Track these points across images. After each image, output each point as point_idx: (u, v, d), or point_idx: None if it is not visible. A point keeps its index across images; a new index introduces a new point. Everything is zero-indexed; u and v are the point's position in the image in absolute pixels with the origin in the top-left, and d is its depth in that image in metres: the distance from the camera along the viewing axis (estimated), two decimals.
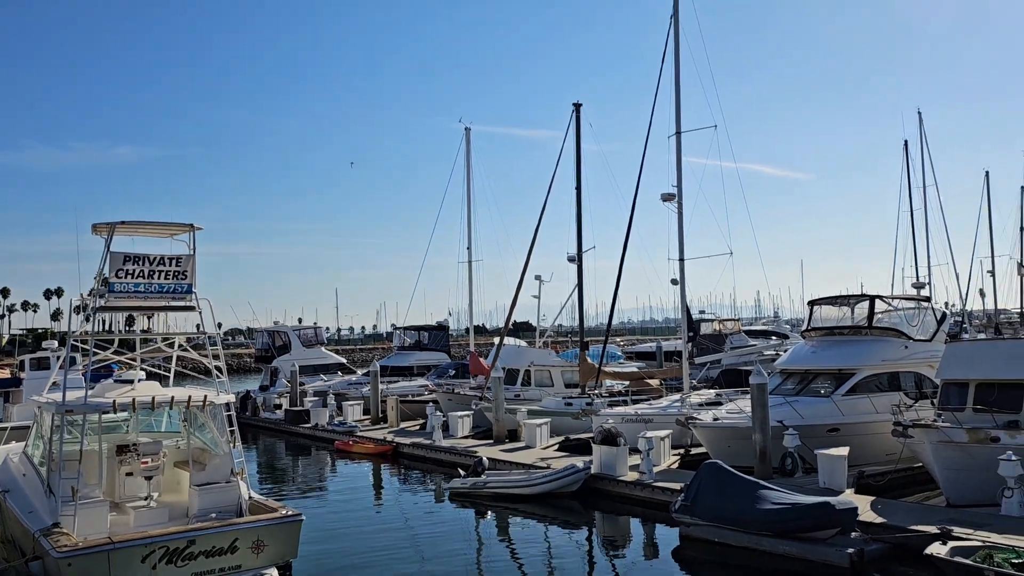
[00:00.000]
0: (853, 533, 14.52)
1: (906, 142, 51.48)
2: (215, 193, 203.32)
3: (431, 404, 31.40)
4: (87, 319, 15.44)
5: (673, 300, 29.63)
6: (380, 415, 34.36)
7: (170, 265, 15.11)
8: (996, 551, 12.37)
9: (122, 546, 11.99)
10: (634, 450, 20.90)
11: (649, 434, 20.78)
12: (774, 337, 48.68)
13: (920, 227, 50.33)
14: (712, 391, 28.48)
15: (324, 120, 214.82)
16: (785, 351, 27.43)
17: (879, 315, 24.35)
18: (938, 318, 25.35)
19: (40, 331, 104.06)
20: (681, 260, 28.01)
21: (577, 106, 33.96)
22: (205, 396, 14.70)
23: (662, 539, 17.10)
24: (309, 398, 39.55)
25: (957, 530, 13.71)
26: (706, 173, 30.72)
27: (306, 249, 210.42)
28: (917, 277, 47.12)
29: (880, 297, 25.18)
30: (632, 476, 20.28)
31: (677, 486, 17.99)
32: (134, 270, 14.79)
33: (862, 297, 25.14)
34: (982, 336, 32.85)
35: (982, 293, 58.93)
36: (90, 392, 14.32)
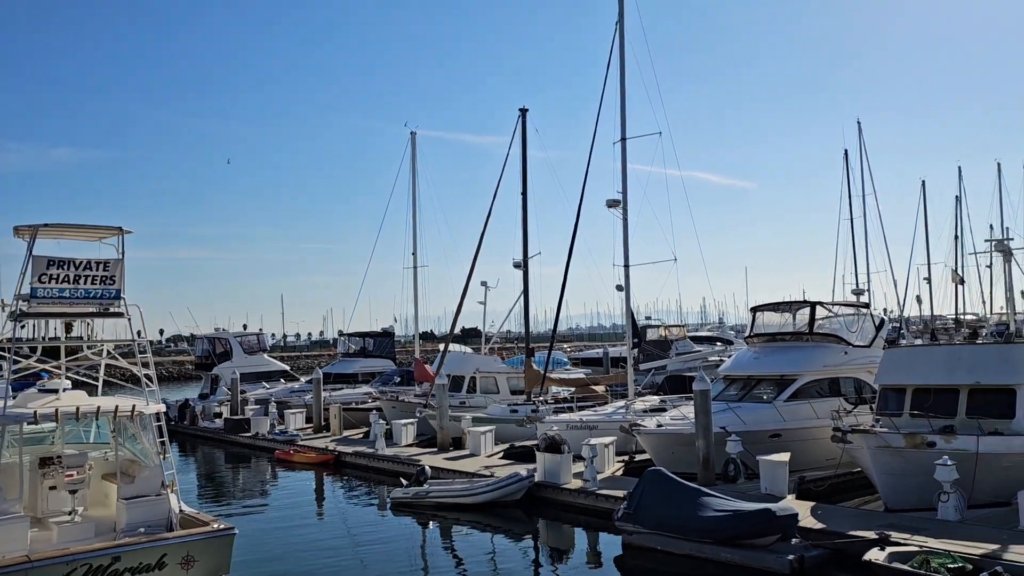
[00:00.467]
0: (794, 539, 14.55)
1: (846, 152, 52.59)
2: (159, 197, 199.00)
3: (375, 412, 30.94)
4: (15, 325, 14.74)
5: (620, 306, 29.58)
6: (323, 423, 33.79)
7: (97, 270, 14.49)
8: (932, 556, 12.48)
9: (41, 564, 11.42)
10: (579, 457, 20.78)
11: (593, 441, 20.68)
12: (719, 343, 49.26)
13: (860, 235, 51.40)
14: (657, 397, 28.55)
15: (268, 124, 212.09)
16: (729, 357, 27.60)
17: (820, 321, 24.65)
18: (877, 324, 25.75)
19: None
20: (626, 266, 28.02)
21: (523, 111, 33.89)
22: (133, 406, 14.13)
23: (605, 547, 16.98)
24: (250, 406, 38.80)
25: (895, 535, 13.83)
26: (651, 180, 30.93)
27: (252, 255, 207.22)
28: (857, 284, 48.12)
29: (821, 304, 25.50)
30: (576, 484, 20.14)
31: (621, 494, 17.88)
32: (59, 275, 14.14)
33: (803, 304, 25.41)
34: (919, 342, 33.54)
35: (919, 300, 60.34)
36: (11, 402, 13.67)
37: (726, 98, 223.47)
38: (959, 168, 60.89)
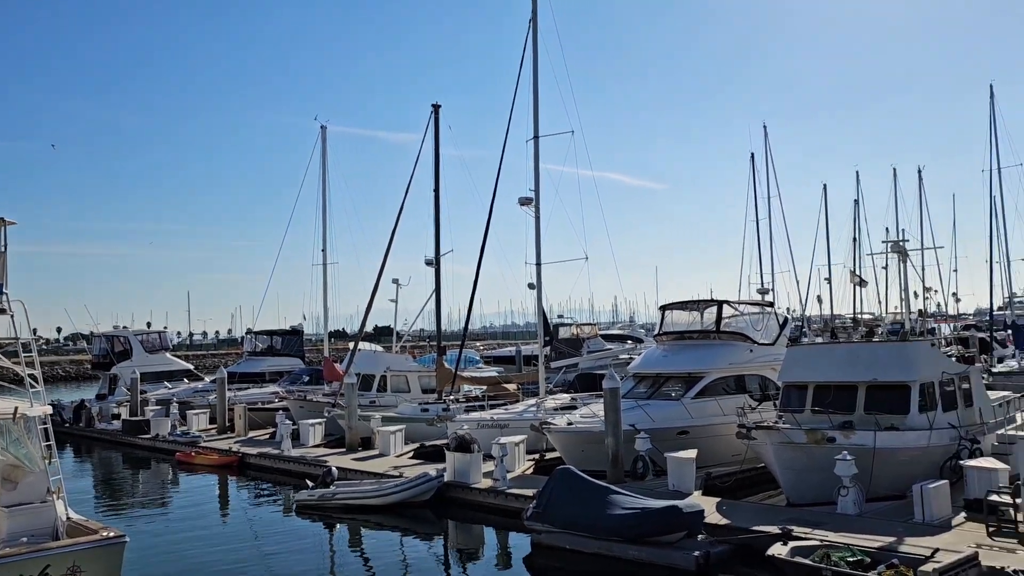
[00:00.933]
0: (700, 536, 14.68)
1: (752, 154, 53.94)
2: (58, 190, 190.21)
3: (281, 412, 30.15)
4: None
5: (532, 305, 29.58)
6: (227, 424, 32.76)
7: None
8: (833, 550, 12.74)
9: None
10: (489, 456, 20.62)
11: (503, 440, 20.55)
12: (629, 341, 49.81)
13: (765, 236, 52.81)
14: (568, 395, 28.63)
15: (173, 114, 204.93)
16: (639, 355, 27.89)
17: (727, 320, 25.09)
18: (780, 323, 26.40)
19: None
20: (538, 264, 28.03)
21: (436, 107, 33.56)
22: (16, 408, 13.29)
23: (515, 547, 16.86)
24: (151, 407, 37.40)
25: (797, 530, 14.09)
26: (563, 179, 31.00)
27: (156, 250, 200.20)
28: (762, 283, 49.37)
29: (728, 302, 25.96)
30: (486, 483, 19.97)
31: (531, 493, 17.77)
32: None
33: (711, 302, 25.81)
34: (819, 340, 34.57)
35: (820, 299, 62.30)
36: None
37: (638, 100, 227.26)
38: (857, 172, 63.22)
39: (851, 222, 62.11)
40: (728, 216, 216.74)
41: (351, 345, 36.75)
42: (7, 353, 14.83)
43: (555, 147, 28.76)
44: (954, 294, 66.25)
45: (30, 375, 13.85)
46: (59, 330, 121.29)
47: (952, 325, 58.05)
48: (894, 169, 61.90)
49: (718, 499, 17.28)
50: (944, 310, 66.75)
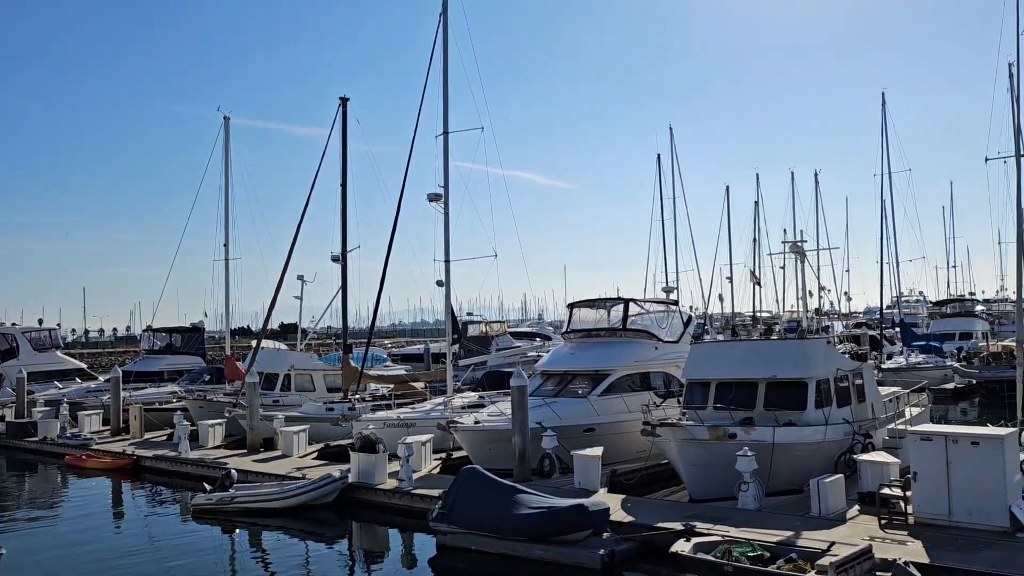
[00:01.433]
0: (605, 534, 14.72)
1: (659, 155, 54.97)
2: None
3: (179, 412, 29.06)
4: None
5: (442, 302, 29.31)
6: (122, 425, 31.40)
7: None
8: (734, 545, 12.95)
9: None
10: (395, 456, 20.29)
11: (409, 439, 20.26)
12: (538, 339, 50.07)
13: (671, 235, 53.89)
14: (475, 394, 28.50)
15: (69, 103, 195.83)
16: (547, 353, 27.97)
17: (633, 318, 25.38)
18: (684, 321, 26.85)
19: None
20: (447, 261, 27.80)
21: (344, 100, 32.89)
22: None
23: (420, 548, 16.63)
24: (39, 408, 35.51)
25: (700, 526, 14.27)
26: (473, 176, 30.74)
27: (50, 244, 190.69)
28: (667, 282, 50.34)
29: (634, 300, 26.29)
30: (391, 484, 19.63)
31: (436, 493, 17.54)
32: None
33: (617, 300, 26.08)
34: (721, 338, 35.35)
35: (721, 298, 63.94)
36: None
37: (551, 100, 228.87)
38: (757, 175, 65.14)
39: (752, 223, 64.00)
40: (636, 216, 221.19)
41: (255, 343, 35.82)
42: None
43: (465, 144, 28.58)
44: (846, 293, 69.12)
45: None
46: None
47: (844, 323, 60.44)
48: (792, 172, 64.11)
49: (623, 496, 17.40)
50: (837, 309, 69.44)
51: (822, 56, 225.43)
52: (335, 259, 32.79)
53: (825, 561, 11.86)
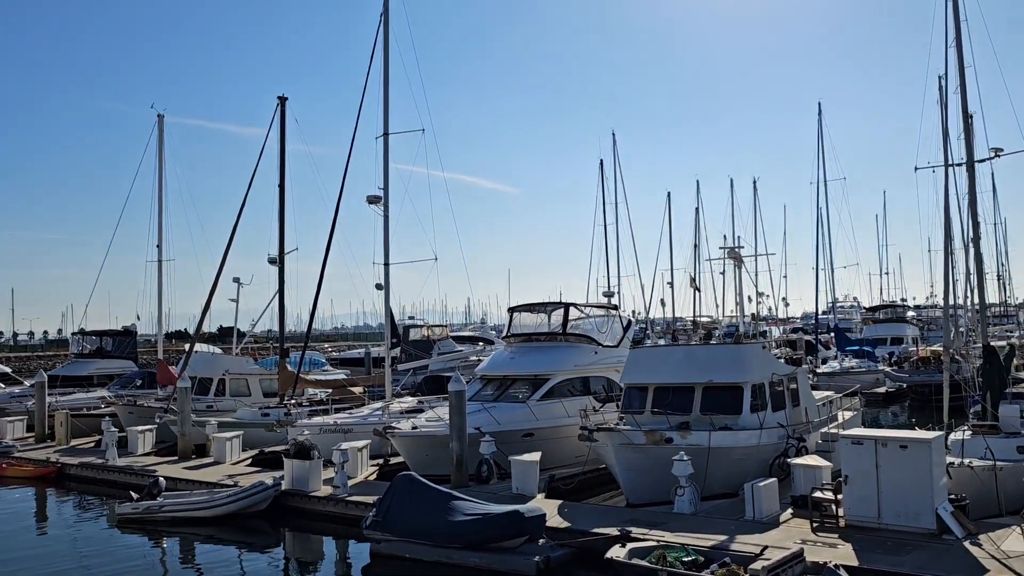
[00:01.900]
0: (541, 540, 14.61)
1: (602, 161, 55.27)
2: None
3: (108, 418, 28.15)
4: None
5: (383, 305, 28.96)
6: (46, 432, 30.30)
7: None
8: (669, 550, 12.92)
9: None
10: (331, 463, 19.90)
11: (345, 446, 19.91)
12: (481, 343, 49.93)
13: (613, 241, 54.22)
14: (415, 398, 28.22)
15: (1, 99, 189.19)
16: (488, 357, 27.81)
17: (573, 322, 25.38)
18: (624, 325, 26.93)
19: None
20: (386, 264, 27.46)
21: (282, 99, 32.33)
22: None
23: (354, 557, 16.30)
24: None
25: (635, 531, 14.25)
26: (414, 179, 30.44)
27: None
28: (608, 286, 50.60)
29: (574, 305, 26.30)
30: (326, 491, 19.26)
31: (371, 500, 17.21)
32: None
33: (558, 305, 26.07)
34: (662, 342, 35.69)
35: (663, 303, 64.57)
36: None
37: (497, 105, 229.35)
38: (697, 182, 66.08)
39: (693, 229, 64.78)
40: (580, 221, 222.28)
41: (189, 346, 34.97)
42: None
43: (406, 146, 28.35)
44: (784, 299, 70.39)
45: None
46: None
47: (782, 328, 61.55)
48: (731, 180, 65.16)
49: (560, 502, 17.31)
50: (775, 314, 70.69)
51: (762, 67, 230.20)
52: (272, 261, 32.19)
53: (758, 565, 11.90)
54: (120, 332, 45.64)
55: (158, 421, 27.89)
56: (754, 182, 67.52)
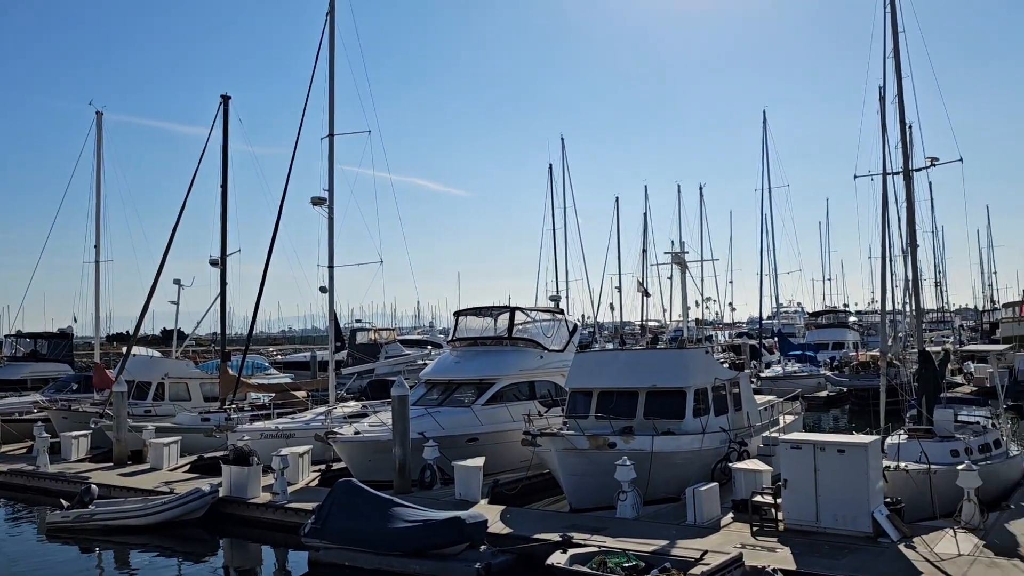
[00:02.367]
0: (483, 546, 14.47)
1: (551, 165, 55.35)
2: None
3: (40, 423, 27.29)
4: None
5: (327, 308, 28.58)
6: None
7: None
8: (610, 556, 12.88)
9: None
10: (271, 468, 19.52)
11: (285, 451, 19.55)
12: (429, 347, 49.66)
13: (561, 245, 54.32)
14: (358, 403, 27.88)
15: None
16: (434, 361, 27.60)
17: (519, 326, 25.31)
18: (570, 330, 26.93)
19: None
20: (330, 267, 27.15)
21: (225, 98, 31.69)
22: None
23: (293, 565, 15.99)
24: None
25: (577, 536, 14.18)
26: (360, 180, 30.16)
27: None
28: (556, 290, 50.65)
29: (520, 309, 26.25)
30: (265, 498, 18.87)
31: (311, 507, 16.91)
32: None
33: (504, 308, 25.99)
34: (610, 347, 35.83)
35: (612, 307, 64.92)
36: None
37: (447, 108, 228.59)
38: (645, 187, 66.47)
39: (641, 234, 65.25)
40: (529, 225, 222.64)
41: (126, 349, 34.11)
42: None
43: (352, 147, 28.12)
44: (730, 304, 71.31)
45: None
46: None
47: (727, 333, 62.33)
48: (679, 186, 65.71)
49: (504, 507, 17.19)
50: (721, 319, 71.57)
51: (709, 74, 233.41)
52: (214, 263, 31.52)
53: (697, 570, 11.94)
54: (55, 335, 44.35)
55: (93, 426, 27.08)
56: (700, 188, 68.46)
